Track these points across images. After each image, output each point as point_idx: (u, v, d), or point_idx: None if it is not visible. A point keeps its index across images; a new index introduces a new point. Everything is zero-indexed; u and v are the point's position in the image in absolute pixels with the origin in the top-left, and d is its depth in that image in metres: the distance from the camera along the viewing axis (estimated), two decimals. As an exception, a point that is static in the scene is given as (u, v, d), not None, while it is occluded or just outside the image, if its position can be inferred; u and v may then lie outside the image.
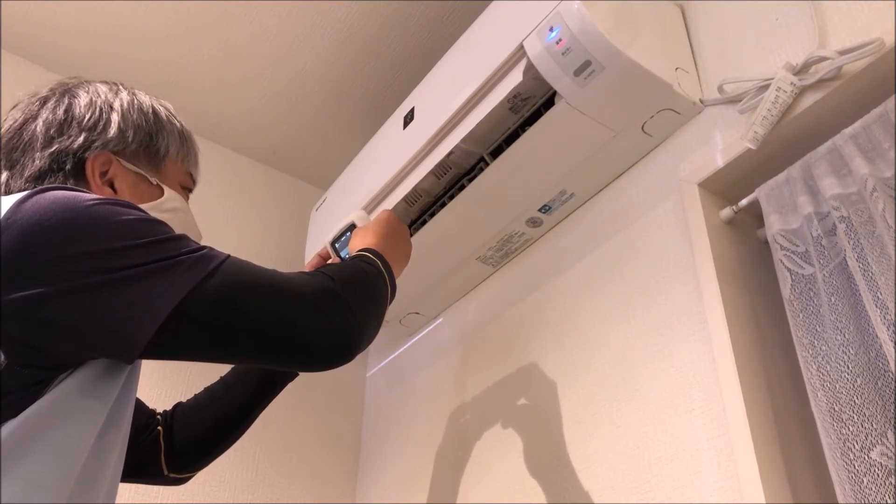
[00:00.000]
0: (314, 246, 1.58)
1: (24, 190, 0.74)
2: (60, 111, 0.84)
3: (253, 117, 1.85)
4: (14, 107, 0.86)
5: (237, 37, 1.66)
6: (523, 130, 1.24)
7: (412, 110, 1.41)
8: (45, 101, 0.85)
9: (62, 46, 1.68)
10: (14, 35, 1.65)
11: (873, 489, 0.82)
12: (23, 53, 1.69)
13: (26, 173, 0.81)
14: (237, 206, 1.86)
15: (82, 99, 0.85)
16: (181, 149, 0.92)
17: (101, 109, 0.85)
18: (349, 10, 1.60)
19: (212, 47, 1.69)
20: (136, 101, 0.89)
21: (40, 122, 0.83)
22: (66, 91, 0.86)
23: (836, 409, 0.87)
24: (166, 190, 0.88)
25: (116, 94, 0.88)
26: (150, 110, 0.90)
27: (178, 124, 0.93)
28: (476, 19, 1.34)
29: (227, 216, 1.83)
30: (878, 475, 0.82)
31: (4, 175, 0.82)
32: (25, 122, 0.84)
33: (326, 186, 1.71)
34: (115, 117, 0.85)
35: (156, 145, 0.88)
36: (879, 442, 0.84)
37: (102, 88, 0.88)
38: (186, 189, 0.93)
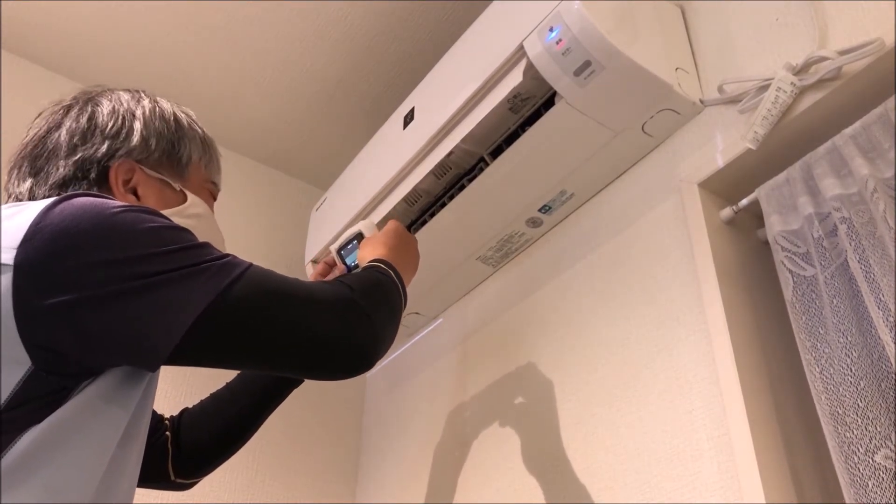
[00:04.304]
0: (314, 246, 1.58)
1: (48, 197, 0.76)
2: (84, 119, 0.85)
3: (253, 117, 1.85)
4: (38, 115, 0.87)
5: (238, 37, 1.66)
6: (523, 130, 1.24)
7: (412, 110, 1.41)
8: (68, 109, 0.86)
9: (62, 46, 1.68)
10: (14, 35, 1.65)
11: (878, 492, 0.81)
12: (23, 53, 1.69)
13: (51, 181, 0.81)
14: (237, 206, 1.86)
15: (105, 107, 0.86)
16: (203, 156, 0.92)
17: (123, 117, 0.86)
18: (349, 10, 1.60)
19: (212, 48, 1.69)
20: (157, 109, 0.89)
21: (64, 130, 0.84)
22: (89, 99, 0.87)
23: (840, 412, 0.87)
24: (189, 196, 0.88)
25: (138, 101, 0.89)
26: (172, 118, 0.90)
27: (199, 131, 0.93)
28: (476, 19, 1.34)
29: (227, 216, 1.80)
30: (884, 478, 0.82)
31: (29, 182, 0.82)
32: (49, 131, 0.84)
33: (326, 186, 1.71)
34: (137, 125, 0.86)
35: (178, 153, 0.89)
36: (884, 445, 0.83)
37: (125, 96, 0.89)
38: (211, 196, 0.94)
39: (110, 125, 0.85)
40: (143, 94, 0.90)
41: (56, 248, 0.65)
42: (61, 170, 0.81)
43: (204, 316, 0.67)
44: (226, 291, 0.68)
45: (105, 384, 0.68)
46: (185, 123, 0.92)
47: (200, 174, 0.92)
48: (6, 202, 0.82)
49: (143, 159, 0.85)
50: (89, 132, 0.84)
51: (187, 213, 0.87)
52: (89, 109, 0.86)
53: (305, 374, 0.83)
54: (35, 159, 0.83)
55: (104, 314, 0.65)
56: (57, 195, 0.76)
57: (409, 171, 1.37)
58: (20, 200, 0.81)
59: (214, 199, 0.95)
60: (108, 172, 0.82)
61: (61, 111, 0.86)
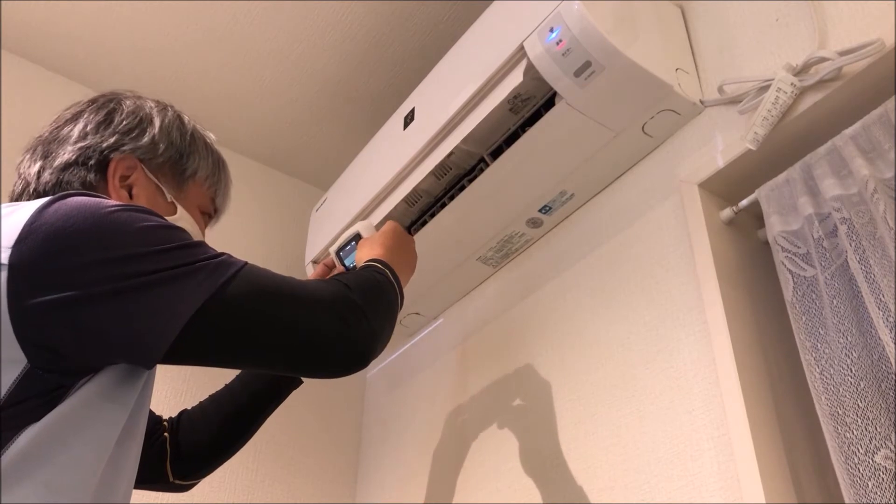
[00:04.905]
0: (314, 246, 1.58)
1: (50, 181, 0.80)
2: (103, 113, 0.87)
3: (253, 118, 1.85)
4: (68, 107, 0.89)
5: (238, 37, 1.66)
6: (523, 131, 1.24)
7: (412, 111, 1.41)
8: (93, 102, 0.88)
9: (62, 47, 1.68)
10: (14, 35, 1.65)
11: (878, 493, 0.81)
12: (23, 53, 1.69)
13: (55, 163, 0.83)
14: (237, 206, 1.83)
15: (127, 107, 0.88)
16: (211, 176, 0.93)
17: (141, 119, 0.88)
18: (349, 10, 1.60)
19: (212, 48, 1.69)
20: (177, 121, 0.91)
21: (82, 120, 0.86)
22: (114, 98, 0.89)
23: (840, 412, 0.87)
24: (179, 209, 0.88)
25: (162, 111, 0.91)
26: (189, 133, 0.92)
27: (215, 153, 0.95)
28: (476, 19, 1.34)
29: (227, 216, 1.82)
30: (884, 479, 0.82)
31: (39, 165, 0.83)
32: (68, 120, 0.86)
33: (326, 187, 1.71)
34: (152, 129, 0.88)
35: (184, 164, 0.90)
36: (884, 445, 0.83)
37: (150, 103, 0.91)
38: (206, 215, 0.94)
39: (125, 123, 0.86)
40: (169, 107, 0.92)
41: (50, 247, 0.65)
42: (66, 155, 0.83)
43: (199, 315, 0.67)
44: (220, 290, 0.69)
45: (103, 382, 0.68)
46: (201, 142, 0.93)
47: (201, 192, 0.92)
48: (15, 183, 0.84)
49: (146, 160, 0.86)
50: (103, 125, 0.86)
51: None
52: (111, 106, 0.88)
53: (301, 371, 0.84)
54: (49, 143, 0.85)
55: (99, 313, 0.65)
56: (57, 179, 0.79)
57: (410, 172, 1.37)
58: (28, 182, 0.83)
59: (211, 218, 0.96)
60: (108, 164, 0.84)
61: (86, 104, 0.88)
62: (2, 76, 1.61)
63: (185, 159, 0.90)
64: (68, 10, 1.61)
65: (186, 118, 0.93)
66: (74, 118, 0.86)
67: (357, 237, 1.12)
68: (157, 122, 0.88)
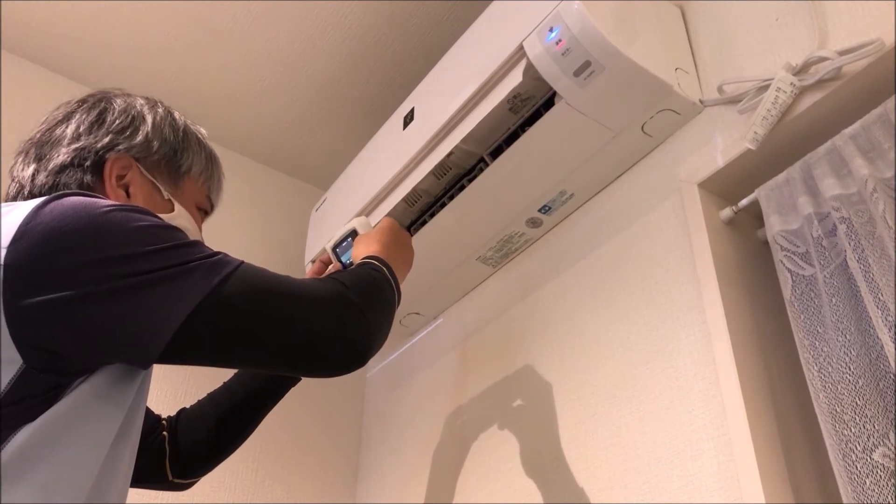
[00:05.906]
0: (314, 246, 1.58)
1: (46, 183, 0.79)
2: (94, 113, 0.87)
3: (253, 117, 1.85)
4: (57, 108, 0.89)
5: (238, 37, 1.66)
6: (523, 131, 1.24)
7: (412, 110, 1.41)
8: (83, 102, 0.88)
9: (62, 47, 1.68)
10: (14, 35, 1.65)
11: (876, 491, 0.81)
12: (23, 53, 1.69)
13: (49, 166, 0.83)
14: (237, 206, 1.86)
15: (118, 105, 0.88)
16: (205, 171, 0.93)
17: (133, 117, 0.88)
18: (349, 10, 1.60)
19: (212, 48, 1.69)
20: (169, 118, 0.91)
21: (73, 121, 0.86)
22: (104, 97, 0.89)
23: (838, 410, 0.87)
24: (177, 206, 0.88)
25: (153, 108, 0.91)
26: (182, 129, 0.92)
27: (207, 148, 0.95)
28: (476, 19, 1.34)
29: (226, 216, 1.81)
30: (881, 477, 0.82)
31: (32, 167, 0.83)
32: (60, 121, 0.86)
33: (326, 187, 1.71)
34: (144, 127, 0.88)
35: (178, 161, 0.90)
36: (881, 443, 0.83)
37: (140, 101, 0.91)
38: (202, 210, 0.95)
39: (118, 122, 0.86)
40: (159, 103, 0.92)
41: (46, 247, 0.65)
42: (61, 157, 0.83)
43: (195, 314, 0.67)
44: (216, 289, 0.69)
45: (99, 382, 0.68)
46: (193, 137, 0.93)
47: (196, 188, 0.92)
48: (9, 186, 0.84)
49: (141, 158, 0.86)
50: (96, 125, 0.85)
51: (172, 223, 0.87)
52: (102, 105, 0.87)
53: (299, 370, 0.84)
54: (41, 146, 0.85)
55: (95, 313, 0.65)
56: (53, 180, 0.79)
57: (409, 172, 1.37)
58: (22, 185, 0.83)
59: (206, 215, 0.96)
60: (104, 164, 0.83)
61: (76, 105, 0.88)
62: (2, 76, 1.61)
63: (180, 156, 0.90)
64: (68, 10, 1.61)
65: (177, 114, 0.93)
66: (66, 119, 0.86)
67: (353, 233, 1.12)
68: (149, 120, 0.88)
